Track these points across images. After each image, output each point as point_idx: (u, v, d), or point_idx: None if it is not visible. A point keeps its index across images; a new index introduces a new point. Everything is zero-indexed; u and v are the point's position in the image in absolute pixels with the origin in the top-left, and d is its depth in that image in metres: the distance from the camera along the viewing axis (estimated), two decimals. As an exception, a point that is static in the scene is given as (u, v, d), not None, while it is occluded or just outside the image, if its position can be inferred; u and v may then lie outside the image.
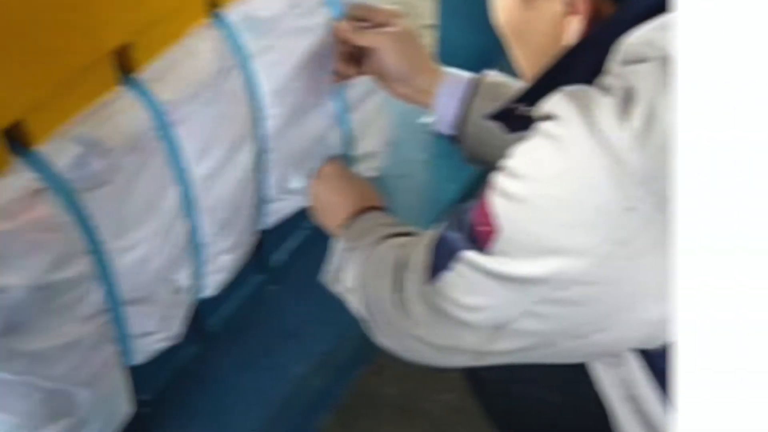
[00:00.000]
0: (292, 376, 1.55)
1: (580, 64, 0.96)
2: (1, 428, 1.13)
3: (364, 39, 1.43)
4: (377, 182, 1.73)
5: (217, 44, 1.28)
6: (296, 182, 1.58)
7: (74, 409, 1.21)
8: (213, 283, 1.49)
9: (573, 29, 0.98)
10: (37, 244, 1.06)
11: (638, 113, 0.83)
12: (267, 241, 1.66)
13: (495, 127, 1.13)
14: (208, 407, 1.49)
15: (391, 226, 1.34)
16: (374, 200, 1.48)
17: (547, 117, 0.91)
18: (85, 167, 1.10)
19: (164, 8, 1.19)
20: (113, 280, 1.21)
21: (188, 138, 1.25)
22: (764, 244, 0.64)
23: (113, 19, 1.11)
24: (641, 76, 0.86)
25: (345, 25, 1.44)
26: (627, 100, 0.85)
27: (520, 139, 0.96)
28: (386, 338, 1.21)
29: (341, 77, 1.51)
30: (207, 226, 1.37)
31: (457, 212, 1.06)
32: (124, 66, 1.18)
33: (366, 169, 1.76)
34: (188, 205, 1.30)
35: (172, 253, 1.30)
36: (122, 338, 1.29)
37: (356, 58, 1.50)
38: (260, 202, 1.53)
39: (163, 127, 1.20)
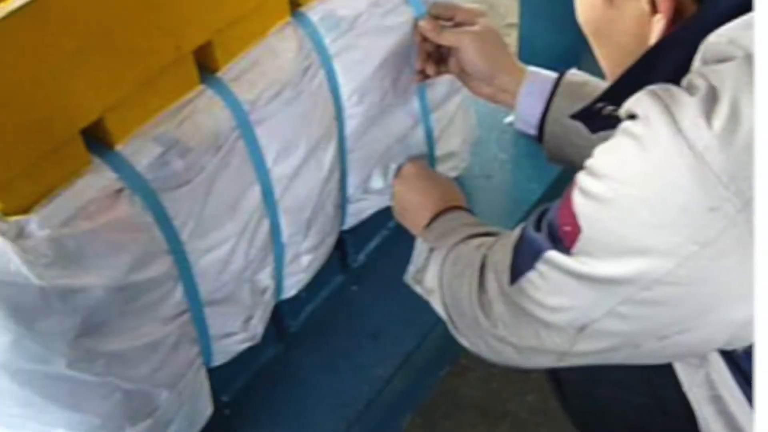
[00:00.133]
0: (374, 377, 1.54)
1: (662, 63, 0.95)
2: (81, 429, 1.14)
3: (446, 38, 1.43)
4: (460, 182, 1.72)
5: (298, 43, 1.28)
6: (378, 182, 1.57)
7: (155, 410, 1.22)
8: (294, 283, 1.49)
9: (656, 28, 0.96)
10: (118, 244, 1.07)
11: (722, 113, 0.81)
12: (348, 241, 1.66)
13: (578, 127, 1.12)
14: (288, 409, 1.49)
15: (473, 226, 1.33)
16: (456, 200, 1.47)
17: (631, 116, 0.89)
18: (166, 167, 1.11)
19: (246, 7, 1.19)
20: (194, 280, 1.21)
21: (269, 137, 1.25)
22: None
23: (195, 18, 1.11)
24: (725, 75, 0.84)
25: (427, 24, 1.43)
26: (711, 99, 0.83)
27: (603, 139, 0.94)
28: (468, 339, 1.20)
29: (423, 76, 1.51)
30: (288, 226, 1.37)
31: (540, 212, 1.05)
32: (206, 65, 1.19)
33: (448, 168, 1.75)
34: (269, 205, 1.30)
35: (253, 253, 1.30)
36: (203, 339, 1.29)
37: (438, 57, 1.49)
38: (342, 201, 1.53)
39: (244, 127, 1.20)
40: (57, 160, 1.01)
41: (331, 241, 1.55)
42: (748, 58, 0.84)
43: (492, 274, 1.10)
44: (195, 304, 1.23)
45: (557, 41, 1.95)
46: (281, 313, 1.54)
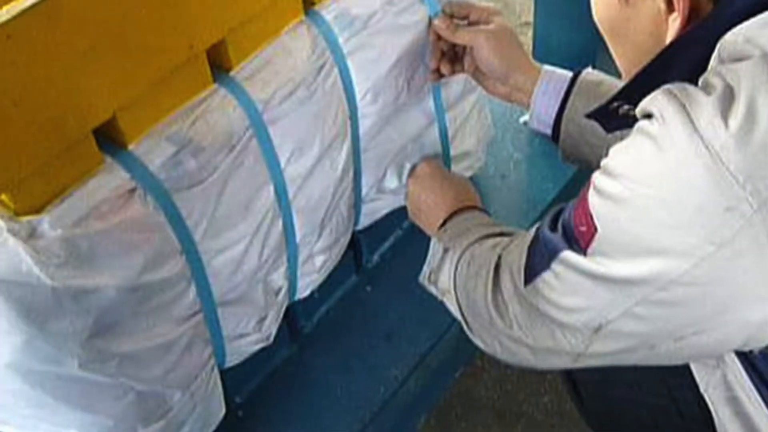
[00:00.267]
0: (388, 378, 1.54)
1: (679, 62, 0.94)
2: (94, 430, 1.14)
3: (461, 37, 1.42)
4: (474, 182, 1.71)
5: (312, 42, 1.27)
6: (392, 182, 1.57)
7: (168, 411, 1.22)
8: (308, 283, 1.49)
9: (672, 27, 0.96)
10: (130, 244, 1.06)
11: (739, 112, 0.81)
12: (362, 242, 1.66)
13: (593, 126, 1.12)
14: (302, 410, 1.49)
15: (488, 226, 1.33)
16: (471, 200, 1.47)
17: (647, 116, 0.89)
18: (179, 166, 1.10)
19: (259, 6, 1.18)
20: (207, 280, 1.21)
21: (283, 137, 1.24)
22: None
23: (208, 16, 1.10)
24: (741, 74, 0.84)
25: (441, 23, 1.43)
26: (727, 98, 0.83)
27: (619, 138, 0.94)
28: (483, 339, 1.20)
29: (437, 75, 1.50)
30: (302, 227, 1.36)
31: (556, 212, 1.05)
32: (219, 64, 1.19)
33: (463, 168, 1.74)
34: (283, 205, 1.29)
35: (266, 253, 1.30)
36: (216, 340, 1.29)
37: (453, 55, 1.49)
38: (355, 201, 1.52)
39: (258, 126, 1.20)
40: (69, 160, 1.01)
41: (344, 241, 1.54)
42: (765, 57, 0.83)
43: (507, 274, 1.10)
44: (208, 305, 1.23)
45: (573, 40, 1.95)
46: (295, 313, 1.54)
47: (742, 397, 1.06)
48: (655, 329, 0.94)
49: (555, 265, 0.99)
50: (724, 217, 0.81)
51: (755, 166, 0.80)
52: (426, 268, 1.38)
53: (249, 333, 1.36)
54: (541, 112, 1.42)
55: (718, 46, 0.89)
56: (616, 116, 1.04)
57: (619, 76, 1.15)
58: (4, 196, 0.98)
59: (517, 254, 1.09)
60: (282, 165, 1.26)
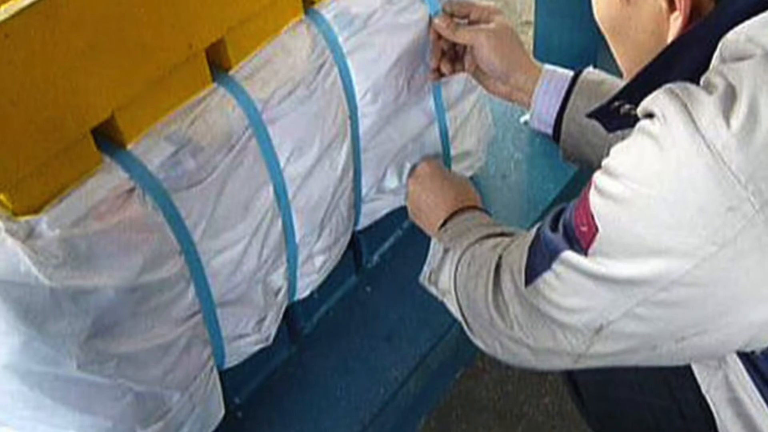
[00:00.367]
0: (388, 379, 1.54)
1: (680, 62, 0.94)
2: None
3: (462, 36, 1.42)
4: (475, 182, 1.71)
5: (312, 41, 1.27)
6: (392, 182, 1.57)
7: (167, 412, 1.22)
8: (307, 284, 1.49)
9: (673, 26, 0.95)
10: (129, 244, 1.06)
11: (740, 112, 0.81)
12: (362, 242, 1.65)
13: (595, 126, 1.12)
14: (301, 411, 1.49)
15: (488, 226, 1.33)
16: (471, 200, 1.47)
17: (648, 115, 0.89)
18: (178, 166, 1.10)
19: (258, 5, 1.18)
20: (206, 281, 1.21)
21: (282, 136, 1.24)
22: None
23: (207, 15, 1.10)
24: (743, 74, 0.83)
25: (442, 22, 1.42)
26: (729, 98, 0.83)
27: (620, 138, 0.94)
28: (483, 340, 1.20)
29: (438, 75, 1.50)
30: (301, 227, 1.36)
31: (557, 212, 1.04)
32: (218, 63, 1.18)
33: (463, 168, 1.74)
34: (282, 205, 1.29)
35: (266, 253, 1.30)
36: (215, 340, 1.29)
37: (453, 55, 1.49)
38: (355, 201, 1.52)
39: (257, 126, 1.19)
40: (67, 160, 1.01)
41: (344, 241, 1.54)
42: (767, 56, 0.83)
43: (508, 275, 1.10)
44: (207, 305, 1.22)
45: (574, 39, 1.95)
46: (294, 314, 1.53)
47: (744, 398, 1.06)
48: (657, 330, 0.94)
49: (556, 266, 0.99)
50: (726, 217, 0.81)
51: (757, 165, 0.79)
52: (426, 269, 1.37)
53: (248, 334, 1.36)
54: (542, 111, 1.41)
55: (719, 45, 0.89)
56: (618, 116, 1.03)
57: (620, 75, 1.14)
58: (2, 196, 0.98)
59: (517, 254, 1.09)
60: (281, 165, 1.25)
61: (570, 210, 0.99)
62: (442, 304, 1.32)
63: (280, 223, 1.30)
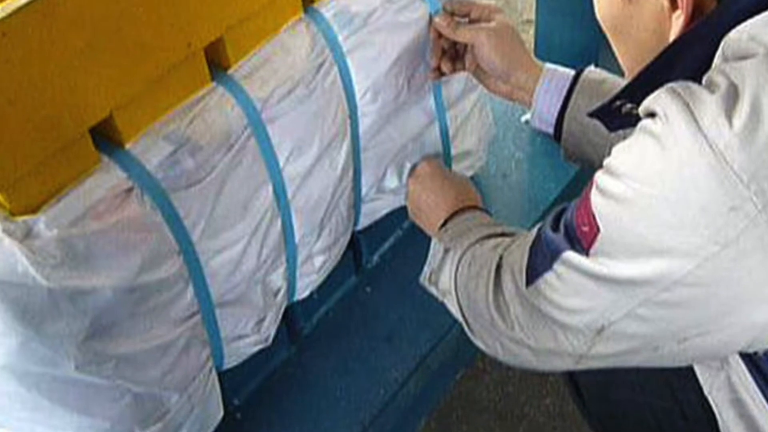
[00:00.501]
0: (388, 380, 1.53)
1: (682, 61, 0.94)
2: (90, 433, 1.13)
3: (462, 34, 1.42)
4: (476, 181, 1.71)
5: (311, 40, 1.27)
6: (392, 181, 1.56)
7: (165, 414, 1.21)
8: (307, 284, 1.48)
9: (675, 25, 0.95)
10: (127, 244, 1.06)
11: (743, 111, 0.81)
12: (362, 242, 1.65)
13: (596, 125, 1.12)
14: (301, 412, 1.49)
15: (489, 226, 1.32)
16: (472, 200, 1.46)
17: (650, 114, 0.88)
18: (176, 166, 1.10)
19: (258, 3, 1.18)
20: (205, 281, 1.20)
21: (282, 136, 1.24)
22: None
23: (206, 14, 1.10)
24: (746, 73, 0.83)
25: (442, 20, 1.42)
26: (731, 97, 0.82)
27: (621, 137, 0.94)
28: (484, 341, 1.19)
29: (438, 74, 1.50)
30: (301, 227, 1.36)
31: (558, 212, 1.04)
32: (217, 62, 1.18)
33: (464, 167, 1.74)
34: (281, 205, 1.29)
35: (265, 254, 1.29)
36: (214, 341, 1.28)
37: (454, 54, 1.48)
38: (355, 201, 1.52)
39: (256, 125, 1.19)
40: (65, 159, 1.01)
41: (344, 241, 1.54)
42: None
43: (508, 275, 1.10)
44: (206, 306, 1.22)
45: (575, 38, 1.94)
46: (294, 314, 1.53)
47: (746, 399, 1.06)
48: (659, 330, 0.93)
49: (557, 266, 0.99)
50: (729, 216, 0.81)
51: (759, 165, 0.79)
52: (426, 269, 1.37)
53: (247, 334, 1.35)
54: (543, 110, 1.41)
55: (722, 43, 0.89)
56: (619, 115, 1.03)
57: (621, 74, 1.14)
58: (-1, 196, 0.98)
59: (518, 255, 1.08)
60: (281, 164, 1.25)
61: (571, 210, 0.98)
62: (442, 304, 1.32)
63: (279, 223, 1.30)
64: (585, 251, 0.94)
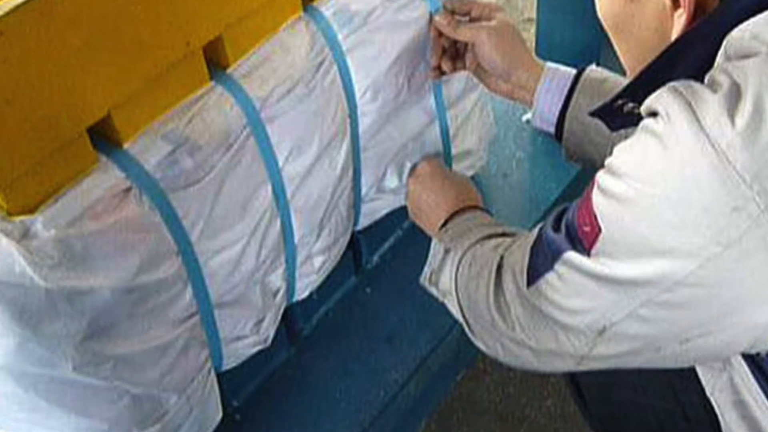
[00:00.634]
0: (389, 381, 1.53)
1: (684, 59, 0.93)
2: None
3: (463, 33, 1.41)
4: (476, 181, 1.71)
5: (311, 39, 1.26)
6: (392, 181, 1.56)
7: (163, 415, 1.21)
8: (306, 285, 1.48)
9: (677, 23, 0.95)
10: (125, 245, 1.05)
11: (745, 110, 0.81)
12: (362, 242, 1.65)
13: (597, 125, 1.12)
14: (300, 414, 1.48)
15: (490, 226, 1.32)
16: (473, 200, 1.46)
17: (652, 114, 0.88)
18: (175, 166, 1.09)
19: (257, 2, 1.17)
20: (204, 282, 1.20)
21: (281, 135, 1.23)
22: None
23: (205, 13, 1.09)
24: (748, 72, 0.83)
25: (442, 19, 1.42)
26: (734, 96, 0.82)
27: (623, 137, 0.93)
28: (485, 342, 1.19)
29: (438, 73, 1.49)
30: (300, 227, 1.35)
31: (559, 212, 1.04)
32: (216, 61, 1.17)
33: (464, 167, 1.73)
34: (281, 205, 1.28)
35: (264, 254, 1.29)
36: (213, 342, 1.28)
37: (454, 52, 1.48)
38: (355, 201, 1.51)
39: (255, 124, 1.19)
40: (63, 159, 1.00)
41: (344, 241, 1.53)
42: None
43: (509, 275, 1.09)
44: (205, 307, 1.22)
45: (576, 37, 1.94)
46: (293, 315, 1.53)
47: (749, 401, 1.06)
48: (661, 331, 0.93)
49: (558, 266, 0.98)
50: (731, 217, 0.81)
51: (762, 164, 0.79)
52: (427, 269, 1.37)
53: (246, 335, 1.35)
54: (544, 110, 1.41)
55: (724, 42, 0.88)
56: (621, 114, 1.03)
57: (623, 73, 1.14)
58: (-4, 196, 0.97)
59: (519, 255, 1.08)
60: (280, 164, 1.25)
61: (572, 210, 0.98)
62: (442, 305, 1.32)
63: (278, 223, 1.29)
64: (586, 251, 0.94)
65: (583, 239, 0.94)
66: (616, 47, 1.09)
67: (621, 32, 1.05)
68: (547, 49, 2.00)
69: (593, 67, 1.40)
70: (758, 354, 0.98)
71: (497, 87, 1.47)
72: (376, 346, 1.58)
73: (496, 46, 1.39)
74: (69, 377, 1.05)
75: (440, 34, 1.43)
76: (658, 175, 0.84)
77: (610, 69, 1.37)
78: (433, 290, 1.35)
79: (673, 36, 0.94)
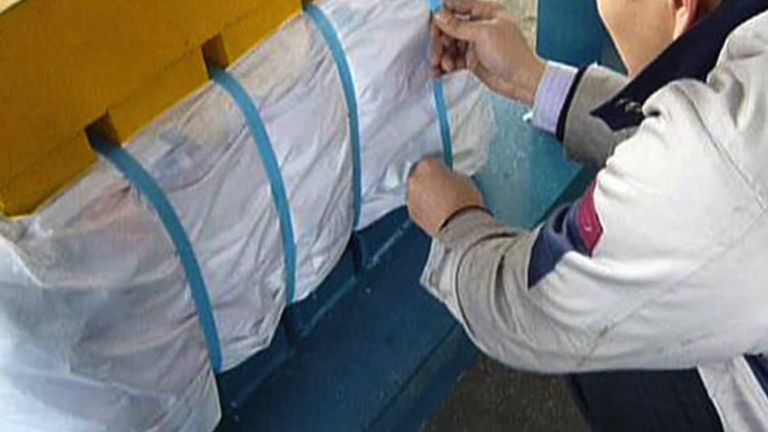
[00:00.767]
0: (389, 382, 1.53)
1: (686, 58, 0.93)
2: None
3: (463, 32, 1.41)
4: (477, 181, 1.71)
5: (310, 37, 1.26)
6: (392, 181, 1.56)
7: (162, 416, 1.21)
8: (306, 285, 1.48)
9: (679, 22, 0.94)
10: (124, 245, 1.05)
11: (748, 109, 0.81)
12: (362, 242, 1.64)
13: (599, 124, 1.11)
14: (300, 415, 1.48)
15: (490, 226, 1.32)
16: (473, 200, 1.45)
17: (653, 113, 0.88)
18: (173, 165, 1.09)
19: (256, 1, 1.17)
20: (203, 282, 1.20)
21: (280, 135, 1.23)
22: None
23: (204, 11, 1.09)
24: (751, 71, 0.83)
25: (443, 18, 1.41)
26: (736, 95, 0.82)
27: (625, 136, 0.93)
28: (485, 343, 1.19)
29: (439, 72, 1.49)
30: (300, 227, 1.35)
31: (560, 212, 1.03)
32: (215, 60, 1.17)
33: (465, 167, 1.73)
34: (280, 205, 1.28)
35: (263, 254, 1.29)
36: (212, 343, 1.28)
37: (455, 51, 1.48)
38: (355, 201, 1.51)
39: (255, 124, 1.18)
40: (61, 158, 1.00)
41: (343, 241, 1.53)
42: None
43: (510, 276, 1.09)
44: (203, 307, 1.22)
45: (578, 35, 1.94)
46: (292, 316, 1.52)
47: (751, 402, 1.06)
48: (662, 332, 0.93)
49: (559, 267, 0.98)
50: (733, 217, 0.80)
51: (765, 164, 0.79)
52: (427, 270, 1.36)
53: (245, 336, 1.35)
54: (545, 109, 1.41)
55: (726, 41, 0.88)
56: (622, 113, 1.03)
57: (625, 72, 1.14)
58: (-7, 196, 0.97)
59: (520, 255, 1.08)
60: (279, 163, 1.25)
61: (574, 210, 0.98)
62: (443, 305, 1.31)
63: (277, 223, 1.29)
64: (588, 252, 0.93)
65: (585, 239, 0.94)
66: (617, 46, 1.08)
67: (623, 31, 1.05)
68: (548, 48, 2.00)
69: (595, 66, 1.40)
70: (761, 355, 0.98)
71: (498, 86, 1.47)
72: (376, 347, 1.57)
73: (497, 45, 1.39)
74: (67, 378, 1.04)
75: (441, 32, 1.43)
76: (660, 174, 0.84)
77: (612, 68, 1.37)
78: (434, 291, 1.35)
79: (675, 35, 0.94)
